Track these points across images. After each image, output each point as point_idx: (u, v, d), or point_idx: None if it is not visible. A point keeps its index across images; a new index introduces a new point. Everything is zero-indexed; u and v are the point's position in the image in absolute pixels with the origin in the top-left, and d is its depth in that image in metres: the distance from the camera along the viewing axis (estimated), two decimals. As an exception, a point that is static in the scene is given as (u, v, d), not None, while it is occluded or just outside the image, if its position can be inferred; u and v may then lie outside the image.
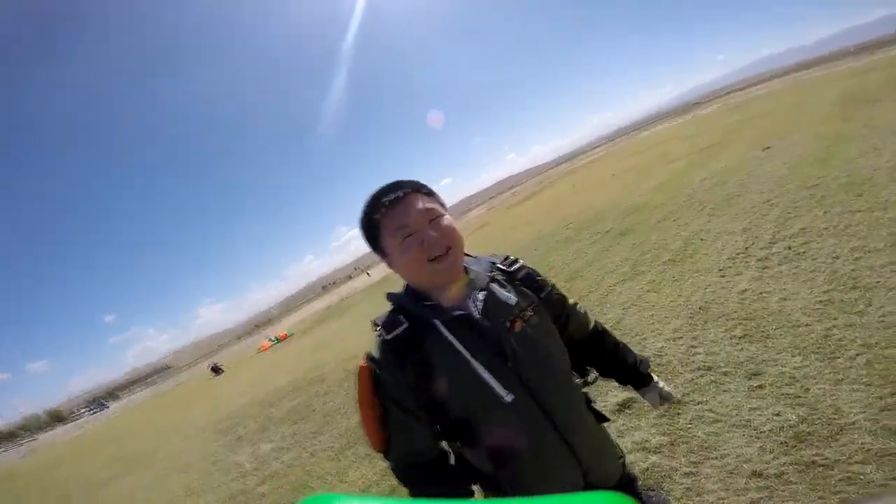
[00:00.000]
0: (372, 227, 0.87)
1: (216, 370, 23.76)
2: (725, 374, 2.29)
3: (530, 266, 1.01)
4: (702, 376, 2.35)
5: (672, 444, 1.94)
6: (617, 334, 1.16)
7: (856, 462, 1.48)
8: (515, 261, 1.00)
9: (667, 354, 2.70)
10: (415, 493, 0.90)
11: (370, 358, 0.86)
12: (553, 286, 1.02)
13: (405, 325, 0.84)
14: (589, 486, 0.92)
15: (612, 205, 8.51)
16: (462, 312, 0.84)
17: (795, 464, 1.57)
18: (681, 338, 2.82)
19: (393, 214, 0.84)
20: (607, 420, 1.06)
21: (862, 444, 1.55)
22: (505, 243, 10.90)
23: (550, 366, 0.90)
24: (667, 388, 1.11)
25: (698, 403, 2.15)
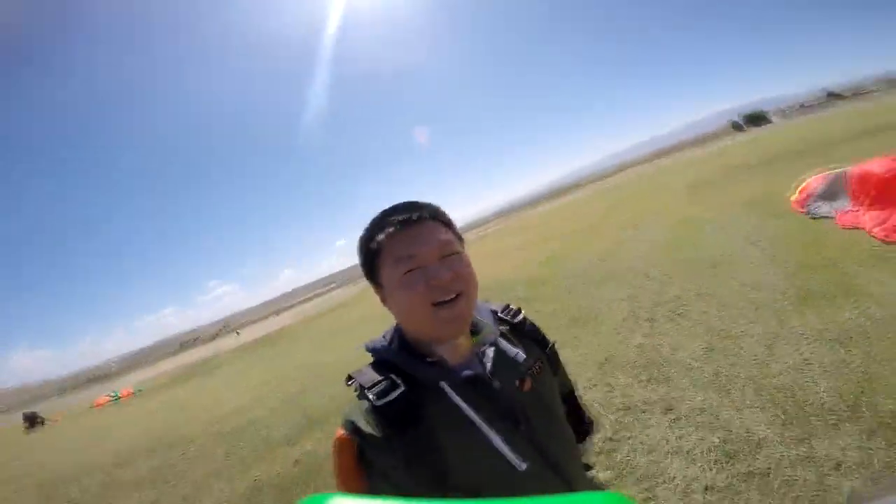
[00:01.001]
0: (372, 248, 0.72)
1: (32, 420, 17.39)
2: (644, 411, 2.41)
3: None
4: (624, 415, 2.44)
5: (619, 476, 1.89)
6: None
7: (784, 467, 1.59)
8: (518, 311, 0.89)
9: (588, 400, 2.75)
10: None
11: (352, 428, 0.68)
12: (548, 337, 0.92)
13: (402, 390, 0.68)
14: None
15: (512, 277, 9.05)
16: (471, 372, 0.72)
17: (737, 475, 1.64)
18: (596, 385, 2.93)
19: (401, 239, 0.70)
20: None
21: (781, 453, 1.70)
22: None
23: (559, 428, 0.81)
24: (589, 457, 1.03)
25: (629, 438, 2.19)
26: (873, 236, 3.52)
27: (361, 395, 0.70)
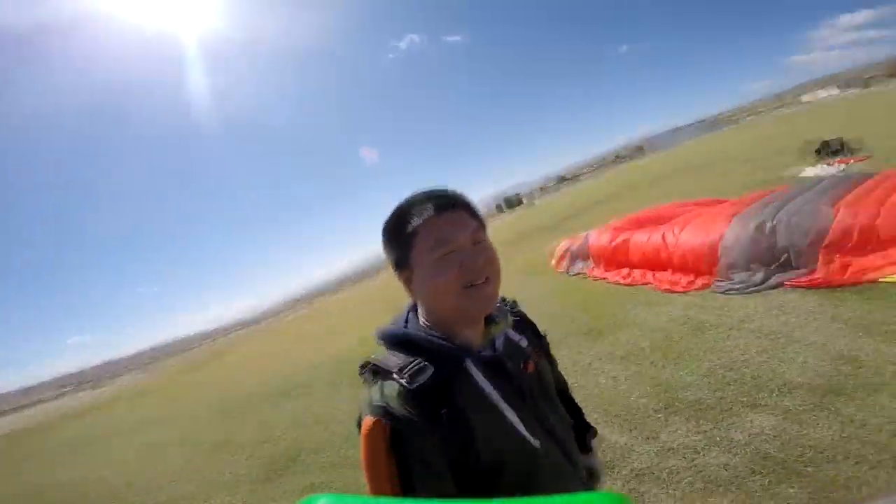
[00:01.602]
0: (408, 232, 0.73)
1: None
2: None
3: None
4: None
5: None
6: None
7: (658, 461, 1.86)
8: (515, 303, 0.96)
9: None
10: None
11: (384, 413, 0.67)
12: (542, 331, 1.00)
13: (433, 370, 0.70)
14: None
15: (325, 359, 8.19)
16: (490, 353, 0.79)
17: (628, 479, 1.80)
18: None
19: (438, 224, 0.73)
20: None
21: (646, 450, 1.98)
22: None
23: (559, 409, 0.89)
24: (600, 466, 1.09)
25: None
26: (619, 283, 4.89)
27: (386, 379, 0.71)
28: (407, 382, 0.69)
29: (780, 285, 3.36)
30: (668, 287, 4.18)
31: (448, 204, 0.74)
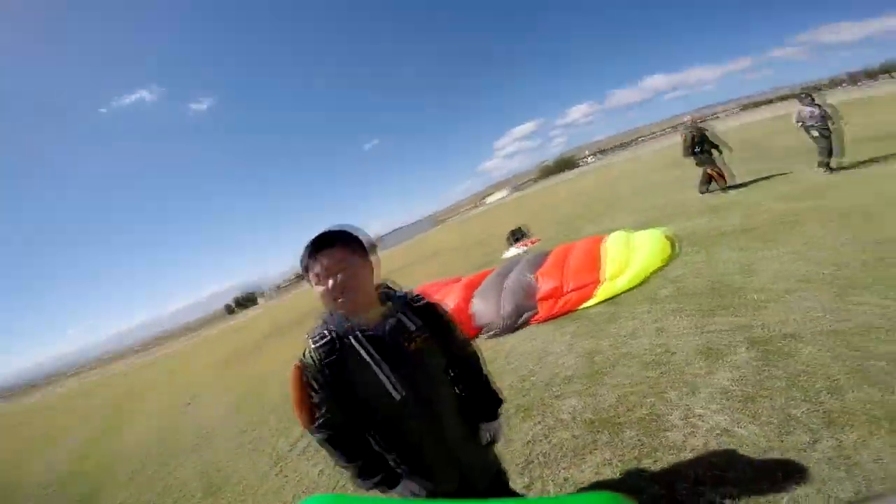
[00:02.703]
0: (304, 267, 1.20)
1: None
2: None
3: (433, 300, 1.35)
4: None
5: None
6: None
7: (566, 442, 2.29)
8: (419, 297, 1.33)
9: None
10: (335, 459, 1.26)
11: (301, 361, 1.21)
12: (446, 317, 1.36)
13: (329, 338, 1.19)
14: (462, 476, 1.31)
15: None
16: (372, 332, 1.20)
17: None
18: None
19: (315, 260, 1.16)
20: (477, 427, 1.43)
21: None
22: None
23: (435, 376, 1.29)
24: (498, 430, 1.47)
25: None
26: None
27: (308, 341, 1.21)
28: (313, 343, 1.19)
29: (526, 323, 4.69)
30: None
31: (323, 244, 1.16)
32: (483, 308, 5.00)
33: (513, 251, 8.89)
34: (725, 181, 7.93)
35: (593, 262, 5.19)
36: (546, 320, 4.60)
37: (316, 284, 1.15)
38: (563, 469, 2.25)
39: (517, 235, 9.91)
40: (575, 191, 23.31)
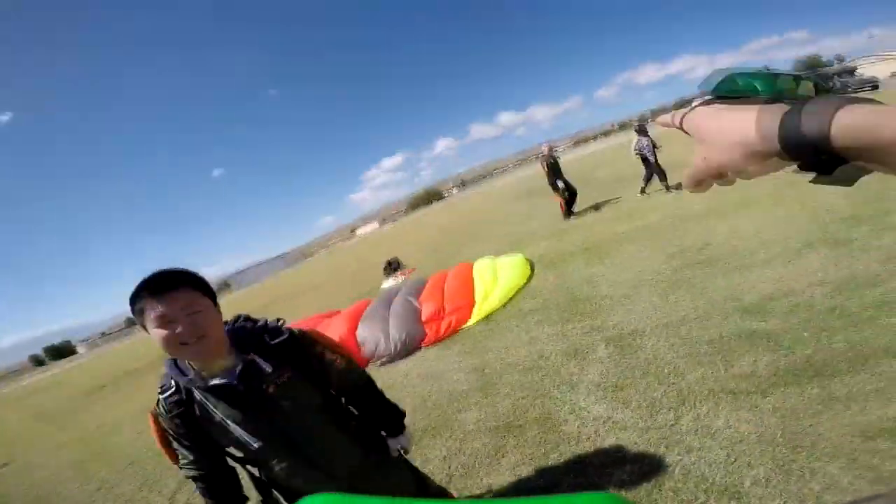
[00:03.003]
0: (136, 310, 1.03)
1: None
2: None
3: (298, 331, 1.24)
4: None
5: None
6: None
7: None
8: (279, 330, 1.20)
9: None
10: (204, 499, 1.21)
11: (155, 408, 1.15)
12: (317, 349, 1.26)
13: (173, 390, 1.11)
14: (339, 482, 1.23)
15: None
16: (219, 382, 1.07)
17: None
18: None
19: (155, 303, 0.99)
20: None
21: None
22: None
23: (304, 415, 1.17)
24: (408, 443, 1.46)
25: None
26: None
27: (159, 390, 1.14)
28: (161, 393, 1.12)
29: (416, 347, 4.71)
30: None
31: (166, 285, 1.00)
32: (370, 336, 4.93)
33: (390, 282, 8.89)
34: (565, 209, 9.17)
35: (467, 286, 5.59)
36: (433, 343, 4.70)
37: (157, 328, 0.99)
38: (484, 476, 2.35)
39: (393, 266, 9.99)
40: (443, 222, 24.67)
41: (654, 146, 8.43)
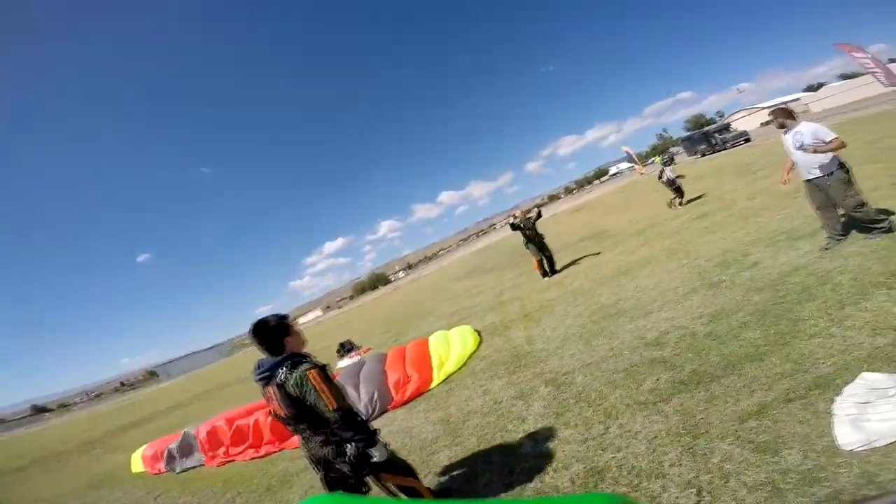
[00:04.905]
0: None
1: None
2: None
3: (298, 374, 2.16)
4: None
5: None
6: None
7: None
8: (292, 369, 2.21)
9: None
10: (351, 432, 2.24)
11: (319, 367, 2.24)
12: (307, 390, 2.14)
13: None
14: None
15: None
16: None
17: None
18: None
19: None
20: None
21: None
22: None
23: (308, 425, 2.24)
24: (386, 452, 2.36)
25: None
26: (255, 457, 4.87)
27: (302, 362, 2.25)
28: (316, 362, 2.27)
29: (385, 410, 5.05)
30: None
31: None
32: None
33: (346, 361, 9.03)
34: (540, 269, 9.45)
35: (425, 357, 6.13)
36: (400, 405, 5.09)
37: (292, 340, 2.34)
38: (464, 494, 2.86)
39: (347, 347, 10.09)
40: (391, 303, 25.08)
41: (677, 175, 11.85)
